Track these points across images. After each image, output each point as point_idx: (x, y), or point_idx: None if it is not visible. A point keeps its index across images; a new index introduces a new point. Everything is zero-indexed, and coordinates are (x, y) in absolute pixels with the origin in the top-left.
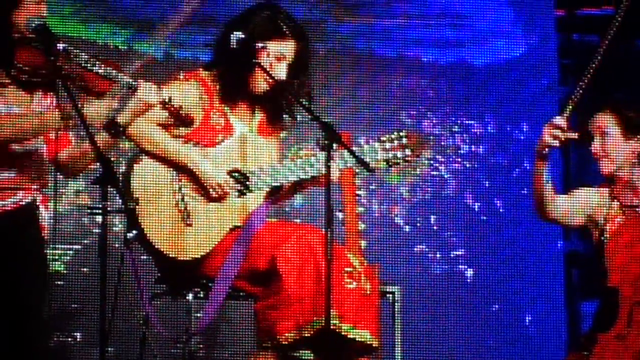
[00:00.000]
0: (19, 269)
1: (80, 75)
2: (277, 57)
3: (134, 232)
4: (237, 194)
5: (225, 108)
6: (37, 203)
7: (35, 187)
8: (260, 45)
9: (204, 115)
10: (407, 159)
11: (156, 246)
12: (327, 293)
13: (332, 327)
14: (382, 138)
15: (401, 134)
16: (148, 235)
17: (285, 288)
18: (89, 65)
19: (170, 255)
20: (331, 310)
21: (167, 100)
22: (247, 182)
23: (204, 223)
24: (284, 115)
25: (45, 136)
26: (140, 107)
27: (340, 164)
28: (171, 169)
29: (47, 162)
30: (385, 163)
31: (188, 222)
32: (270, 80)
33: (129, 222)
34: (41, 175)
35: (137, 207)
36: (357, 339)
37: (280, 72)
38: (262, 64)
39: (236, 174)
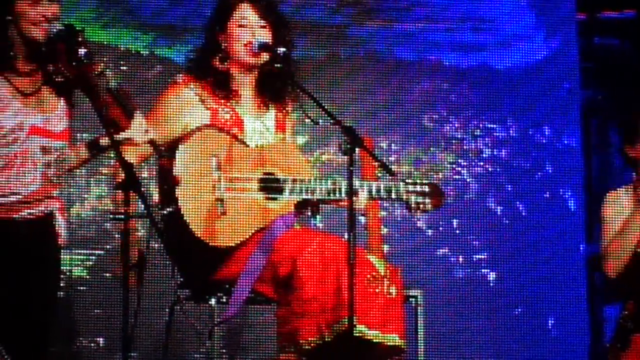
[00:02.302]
0: (37, 275)
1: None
2: (238, 24)
3: (172, 207)
4: (264, 196)
5: (232, 103)
6: (55, 211)
7: (56, 193)
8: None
9: (211, 114)
10: (426, 207)
11: (190, 226)
12: (349, 295)
13: (358, 335)
14: (407, 181)
15: (424, 181)
16: (184, 213)
17: (306, 293)
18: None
19: (202, 238)
20: (356, 319)
21: (153, 141)
22: (280, 188)
23: (236, 216)
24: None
25: (69, 142)
26: (125, 140)
27: (367, 196)
28: (214, 157)
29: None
30: (406, 204)
31: (221, 212)
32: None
33: (166, 199)
34: (60, 181)
35: (177, 185)
36: (385, 343)
37: (245, 37)
38: (231, 33)
39: (270, 179)
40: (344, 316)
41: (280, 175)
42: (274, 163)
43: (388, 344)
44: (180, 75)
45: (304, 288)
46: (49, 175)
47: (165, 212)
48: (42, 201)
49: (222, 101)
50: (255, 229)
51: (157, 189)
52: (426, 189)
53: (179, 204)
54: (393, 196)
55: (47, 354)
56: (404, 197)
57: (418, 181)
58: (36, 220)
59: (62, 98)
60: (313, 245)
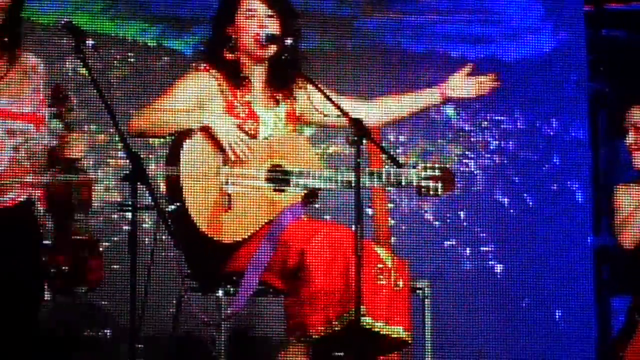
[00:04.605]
0: (15, 265)
1: None
2: (246, 16)
3: (176, 204)
4: (272, 189)
5: (247, 97)
6: (34, 199)
7: (31, 181)
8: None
9: (226, 106)
10: (438, 192)
11: (195, 222)
12: (357, 287)
13: (365, 325)
14: (418, 166)
15: (436, 166)
16: (189, 209)
17: (314, 283)
18: None
19: (207, 234)
20: (362, 309)
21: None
22: (287, 179)
23: (242, 211)
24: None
25: (37, 125)
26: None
27: (375, 183)
28: (221, 153)
29: (44, 156)
30: (417, 189)
31: (227, 207)
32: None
33: (172, 195)
34: (36, 169)
35: (182, 181)
36: (390, 335)
37: (253, 28)
38: (239, 25)
39: (277, 171)
40: (352, 307)
41: (288, 167)
42: (281, 155)
43: (393, 336)
44: (203, 64)
45: (312, 279)
46: (18, 158)
47: (170, 208)
48: (13, 187)
49: (238, 94)
50: (263, 222)
51: (164, 181)
52: (437, 172)
53: (185, 200)
54: (403, 182)
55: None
56: (415, 182)
57: (429, 165)
58: (10, 208)
59: (31, 82)
60: (321, 236)
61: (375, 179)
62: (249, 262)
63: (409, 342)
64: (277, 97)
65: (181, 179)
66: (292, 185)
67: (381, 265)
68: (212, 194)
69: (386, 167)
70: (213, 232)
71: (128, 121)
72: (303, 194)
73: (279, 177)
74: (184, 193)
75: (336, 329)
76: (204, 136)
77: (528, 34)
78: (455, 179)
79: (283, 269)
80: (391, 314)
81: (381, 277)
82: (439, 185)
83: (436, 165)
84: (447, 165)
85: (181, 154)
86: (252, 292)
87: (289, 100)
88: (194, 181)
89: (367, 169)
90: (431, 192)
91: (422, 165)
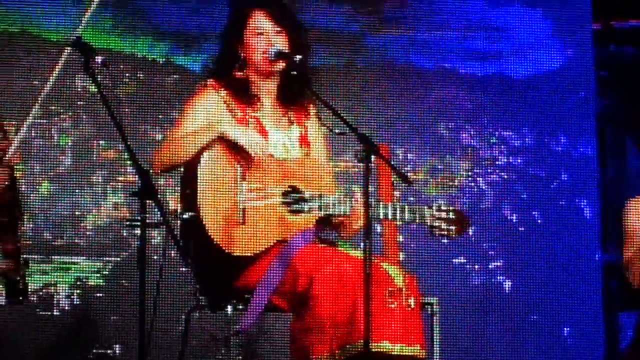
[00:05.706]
0: None
1: None
2: (254, 34)
3: (190, 214)
4: (287, 209)
5: (257, 114)
6: None
7: None
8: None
9: (236, 124)
10: (450, 234)
11: (209, 232)
12: (365, 308)
13: (383, 350)
14: (433, 206)
15: (450, 208)
16: (203, 219)
17: (320, 312)
18: None
19: (220, 245)
20: (377, 334)
21: None
22: (303, 204)
23: (256, 226)
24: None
25: None
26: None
27: (390, 217)
28: (239, 166)
29: None
30: (429, 228)
31: (242, 221)
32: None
33: (187, 204)
34: None
35: (199, 190)
36: (408, 355)
37: (262, 45)
38: (248, 42)
39: (294, 194)
40: (358, 337)
41: (304, 189)
42: (298, 177)
43: (410, 355)
44: (211, 80)
45: (319, 306)
46: None
47: (185, 216)
48: None
49: (248, 110)
50: (275, 240)
51: (173, 197)
52: (452, 215)
53: (200, 210)
54: (417, 220)
55: None
56: (428, 222)
57: (444, 208)
58: None
59: None
60: (332, 264)
61: (390, 214)
62: (259, 281)
63: (424, 358)
64: (291, 117)
65: (198, 189)
66: (307, 209)
67: (392, 288)
68: (227, 207)
69: (401, 203)
70: (225, 244)
71: (152, 160)
72: (317, 218)
73: (295, 199)
74: (199, 203)
75: (338, 358)
76: (223, 148)
77: (536, 50)
78: (469, 222)
79: (291, 293)
80: (407, 333)
81: (392, 299)
82: (452, 227)
83: (451, 208)
84: (460, 209)
85: (199, 165)
86: (261, 310)
87: (302, 121)
88: (210, 192)
89: (381, 203)
90: (444, 233)
91: (437, 206)
